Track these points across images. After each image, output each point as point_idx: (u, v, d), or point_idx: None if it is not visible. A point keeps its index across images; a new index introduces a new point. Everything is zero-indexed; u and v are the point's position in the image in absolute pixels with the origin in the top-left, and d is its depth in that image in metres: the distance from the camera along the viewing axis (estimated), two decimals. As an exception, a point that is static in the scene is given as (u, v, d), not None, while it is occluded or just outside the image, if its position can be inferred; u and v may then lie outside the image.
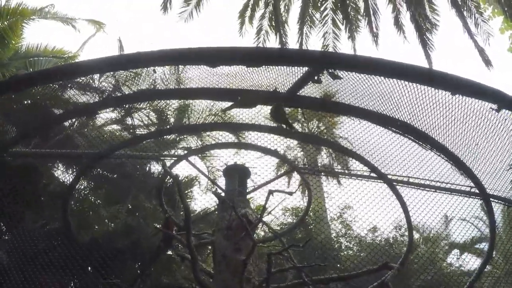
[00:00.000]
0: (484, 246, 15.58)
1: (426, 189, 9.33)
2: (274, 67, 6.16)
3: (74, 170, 10.86)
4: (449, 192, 9.37)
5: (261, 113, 8.68)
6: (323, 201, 11.23)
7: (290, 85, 6.36)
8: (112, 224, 11.65)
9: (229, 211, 7.99)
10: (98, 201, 12.42)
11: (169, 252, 10.78)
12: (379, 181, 9.05)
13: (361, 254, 11.81)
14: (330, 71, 5.59)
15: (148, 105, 11.60)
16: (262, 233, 11.43)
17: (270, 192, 7.75)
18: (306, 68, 5.85)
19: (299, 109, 8.19)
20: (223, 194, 8.64)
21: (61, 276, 10.41)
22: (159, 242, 9.25)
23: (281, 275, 9.56)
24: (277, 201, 8.66)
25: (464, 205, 9.68)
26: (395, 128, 7.49)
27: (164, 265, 10.96)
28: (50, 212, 10.51)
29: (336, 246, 12.25)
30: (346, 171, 9.84)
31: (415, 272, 11.24)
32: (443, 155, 7.87)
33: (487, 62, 19.71)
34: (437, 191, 9.32)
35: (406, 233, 12.66)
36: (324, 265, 9.11)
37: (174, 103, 11.37)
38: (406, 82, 6.05)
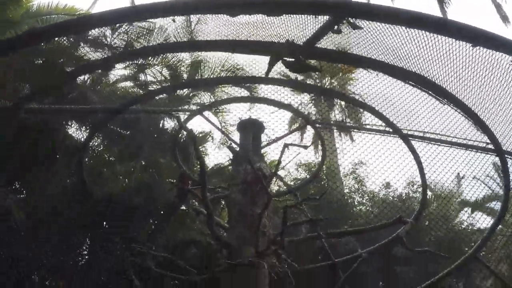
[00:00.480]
0: (495, 204, 15.62)
1: (441, 144, 9.26)
2: (294, 16, 6.03)
3: (88, 127, 10.86)
4: (465, 148, 9.30)
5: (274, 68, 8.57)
6: (336, 157, 11.22)
7: (309, 36, 6.24)
8: (126, 180, 11.72)
9: (243, 165, 7.99)
10: (112, 158, 12.47)
11: (184, 207, 10.88)
12: (394, 135, 9.00)
13: (374, 210, 11.86)
14: (350, 20, 5.49)
15: (161, 61, 11.53)
16: (276, 188, 11.45)
17: (286, 146, 7.72)
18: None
19: (316, 61, 8.05)
20: (237, 149, 8.63)
21: (77, 232, 10.56)
22: (174, 197, 9.31)
23: (295, 230, 9.66)
24: (291, 155, 8.66)
25: (477, 160, 9.64)
26: (413, 82, 7.37)
27: (178, 220, 11.07)
28: (66, 169, 10.57)
29: (349, 201, 12.29)
30: (361, 126, 9.76)
31: (427, 228, 11.31)
32: (460, 110, 7.76)
33: (504, 18, 19.39)
34: (453, 146, 9.25)
35: (419, 190, 12.69)
36: (338, 218, 9.18)
37: (187, 59, 11.30)
38: (427, 33, 5.93)
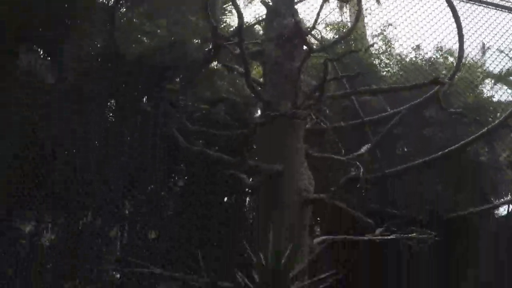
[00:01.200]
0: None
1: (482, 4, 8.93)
2: None
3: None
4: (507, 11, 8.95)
5: None
6: (362, 19, 10.86)
7: None
8: (153, 40, 11.48)
9: (278, 19, 7.78)
10: (136, 20, 12.12)
11: (212, 65, 10.73)
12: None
13: (401, 73, 11.66)
14: None
15: None
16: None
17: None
18: None
19: None
20: (271, 3, 8.32)
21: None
22: (206, 53, 9.17)
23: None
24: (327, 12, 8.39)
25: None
26: None
27: (207, 78, 10.97)
28: (96, 30, 10.29)
29: (376, 63, 12.04)
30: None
31: (455, 93, 11.17)
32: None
33: None
34: (497, 8, 8.91)
35: (444, 55, 12.41)
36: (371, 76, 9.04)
37: None
38: None
